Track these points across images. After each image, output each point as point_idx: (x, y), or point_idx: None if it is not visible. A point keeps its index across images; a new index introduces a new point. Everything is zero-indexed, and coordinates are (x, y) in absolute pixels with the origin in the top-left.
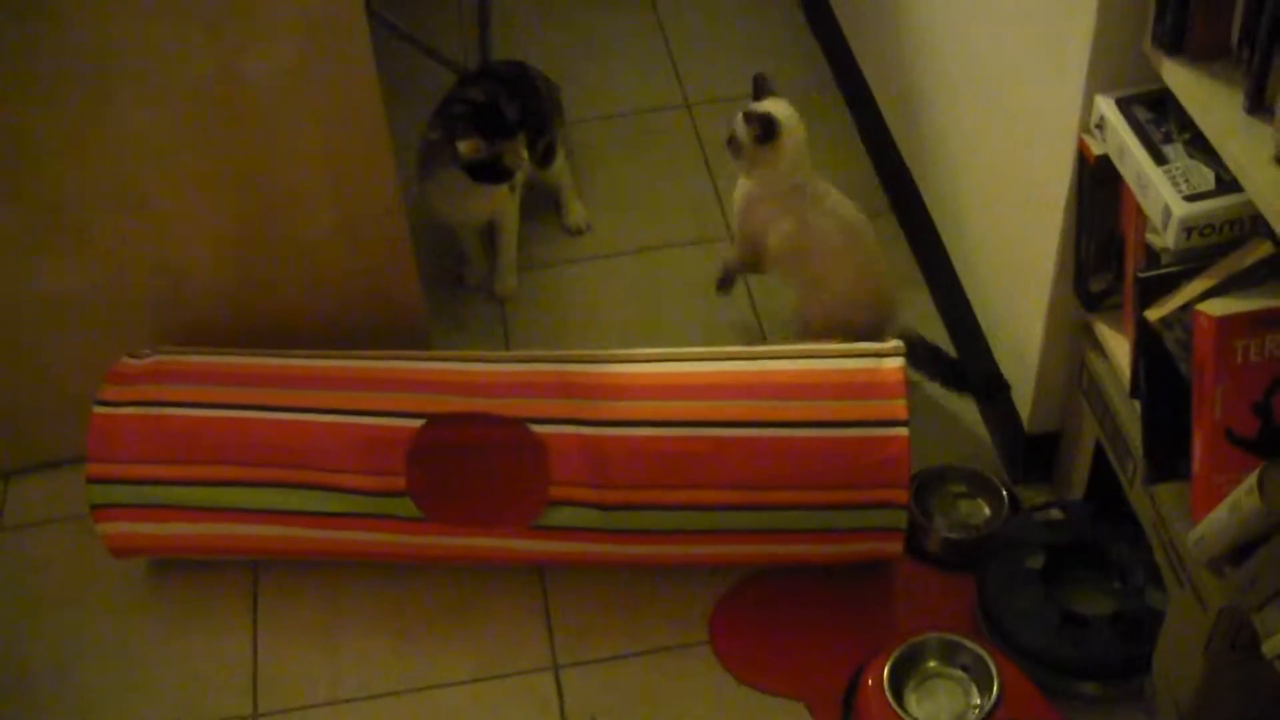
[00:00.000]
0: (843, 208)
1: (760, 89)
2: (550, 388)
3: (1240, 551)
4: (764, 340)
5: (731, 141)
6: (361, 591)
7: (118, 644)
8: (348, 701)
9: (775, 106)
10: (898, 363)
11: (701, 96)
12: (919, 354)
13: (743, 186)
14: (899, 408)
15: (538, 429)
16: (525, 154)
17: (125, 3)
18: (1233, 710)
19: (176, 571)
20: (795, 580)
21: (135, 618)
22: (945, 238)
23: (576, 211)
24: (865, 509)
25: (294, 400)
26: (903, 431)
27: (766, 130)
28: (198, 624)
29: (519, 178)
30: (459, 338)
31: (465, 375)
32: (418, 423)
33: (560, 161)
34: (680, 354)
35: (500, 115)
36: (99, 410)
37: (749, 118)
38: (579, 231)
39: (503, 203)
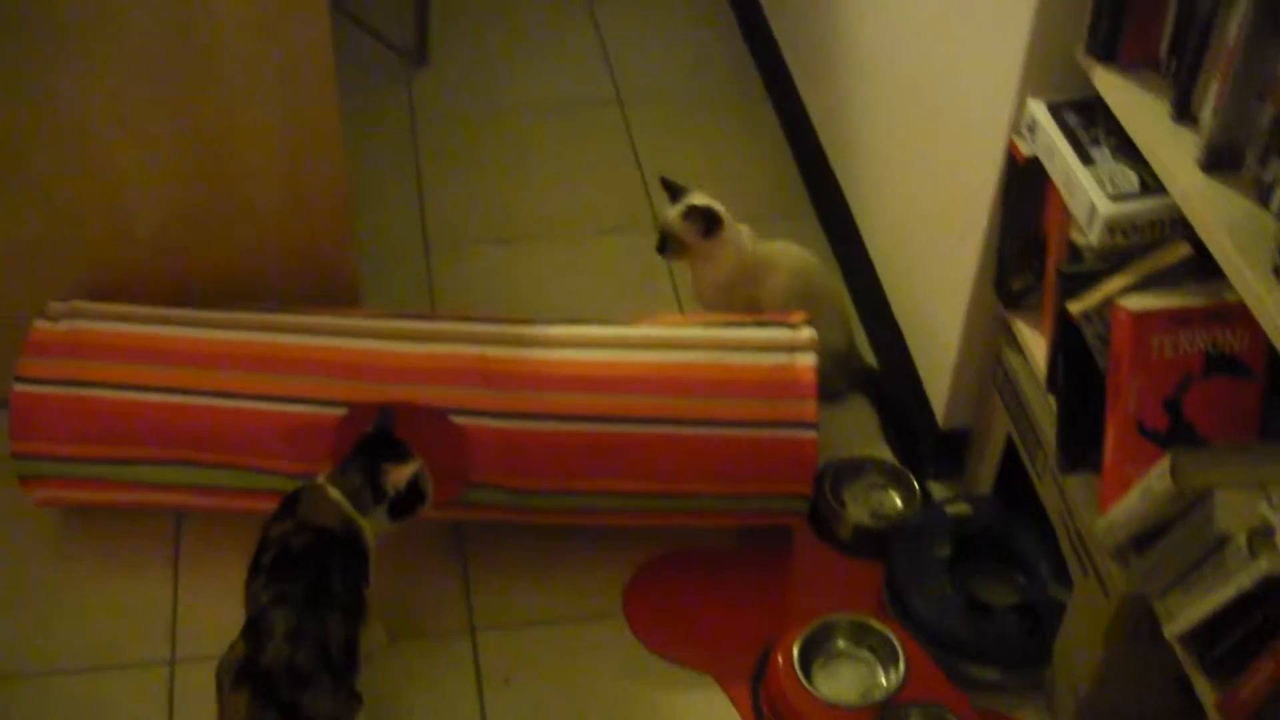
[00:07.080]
0: (797, 261)
1: (674, 190)
2: (470, 375)
3: (1145, 539)
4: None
5: (669, 241)
6: None
7: (33, 585)
8: None
9: (705, 199)
10: (810, 360)
11: (633, 93)
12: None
13: (707, 275)
14: (809, 409)
15: (458, 419)
16: None
17: None
18: (1128, 697)
19: (97, 517)
20: (709, 559)
21: (52, 561)
22: (866, 237)
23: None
24: (772, 498)
25: (217, 384)
26: (811, 434)
27: (709, 224)
28: (117, 569)
29: None
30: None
31: (389, 360)
32: (340, 410)
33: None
34: (598, 338)
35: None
36: (19, 388)
37: (690, 214)
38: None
39: None
